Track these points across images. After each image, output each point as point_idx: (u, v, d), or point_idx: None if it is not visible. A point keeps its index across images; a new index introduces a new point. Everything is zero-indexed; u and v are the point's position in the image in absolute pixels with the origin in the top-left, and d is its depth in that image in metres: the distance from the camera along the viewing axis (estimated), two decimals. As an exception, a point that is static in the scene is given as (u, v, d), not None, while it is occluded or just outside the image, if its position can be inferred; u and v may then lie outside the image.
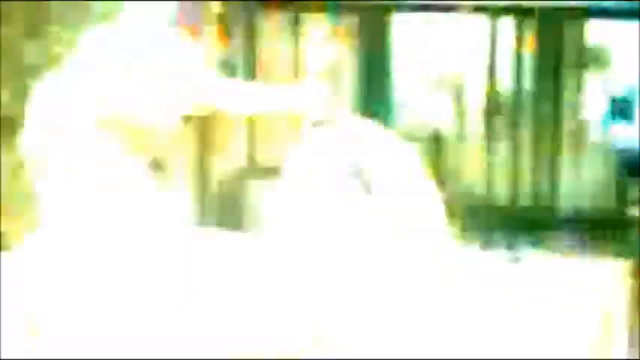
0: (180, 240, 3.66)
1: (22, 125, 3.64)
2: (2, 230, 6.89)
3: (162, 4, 3.71)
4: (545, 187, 13.18)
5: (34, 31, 7.48)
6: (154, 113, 3.48)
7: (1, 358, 3.74)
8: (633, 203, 12.13)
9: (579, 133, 13.50)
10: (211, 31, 9.51)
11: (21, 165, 3.68)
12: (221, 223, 10.19)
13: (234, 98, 3.63)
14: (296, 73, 9.81)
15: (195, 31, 3.53)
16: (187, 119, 3.75)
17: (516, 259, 5.10)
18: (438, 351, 3.92)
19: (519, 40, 12.61)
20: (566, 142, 13.25)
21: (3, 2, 7.31)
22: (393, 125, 9.66)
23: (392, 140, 3.94)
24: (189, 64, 3.48)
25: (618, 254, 8.00)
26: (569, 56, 13.16)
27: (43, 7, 7.61)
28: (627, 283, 5.19)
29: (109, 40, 3.56)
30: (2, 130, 5.91)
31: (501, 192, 11.53)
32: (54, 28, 7.28)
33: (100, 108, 3.46)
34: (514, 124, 12.19)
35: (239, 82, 3.66)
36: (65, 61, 3.69)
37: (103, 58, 3.53)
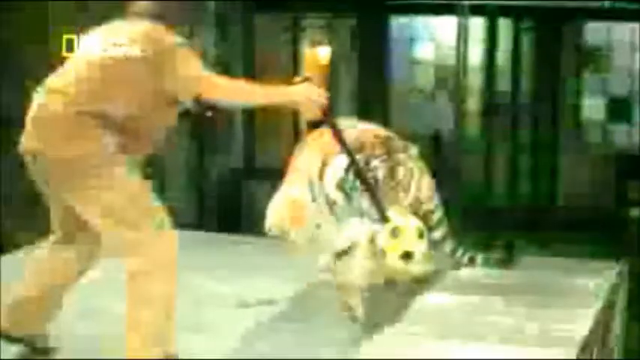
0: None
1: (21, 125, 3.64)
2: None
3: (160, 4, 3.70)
4: (544, 187, 13.23)
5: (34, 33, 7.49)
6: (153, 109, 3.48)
7: (1, 358, 3.75)
8: (632, 204, 12.16)
9: (578, 133, 13.54)
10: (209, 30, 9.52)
11: (20, 165, 3.68)
12: (220, 224, 10.21)
13: (231, 95, 3.62)
14: (295, 73, 9.82)
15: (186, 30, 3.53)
16: (184, 116, 3.76)
17: (509, 260, 5.06)
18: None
19: (517, 40, 12.64)
20: (564, 142, 13.31)
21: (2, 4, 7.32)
22: (391, 125, 9.67)
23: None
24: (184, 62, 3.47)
25: (617, 254, 8.01)
26: (567, 57, 13.20)
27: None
28: (626, 283, 5.19)
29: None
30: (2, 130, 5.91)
31: (501, 192, 11.56)
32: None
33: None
34: (513, 125, 12.22)
35: (235, 79, 3.63)
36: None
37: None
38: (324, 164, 3.83)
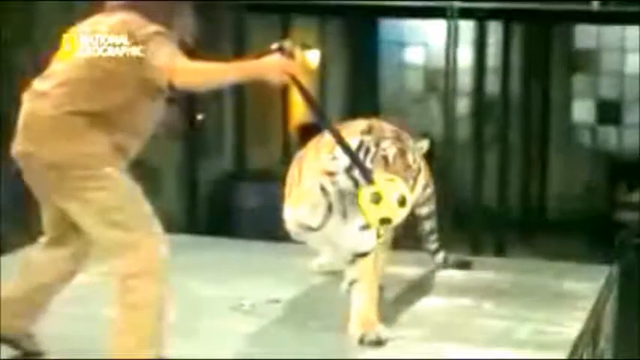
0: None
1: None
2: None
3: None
4: (534, 189, 13.25)
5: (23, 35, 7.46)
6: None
7: (1, 358, 3.74)
8: (623, 206, 12.19)
9: (568, 136, 13.57)
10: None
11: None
12: (211, 227, 10.19)
13: (203, 77, 3.62)
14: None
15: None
16: (171, 101, 3.76)
17: (465, 264, 5.04)
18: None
19: (508, 43, 12.66)
20: (555, 145, 13.33)
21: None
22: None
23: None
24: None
25: (608, 256, 8.02)
26: (557, 59, 13.23)
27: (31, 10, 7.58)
28: (617, 285, 5.19)
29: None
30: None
31: (491, 194, 11.57)
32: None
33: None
34: (503, 127, 12.23)
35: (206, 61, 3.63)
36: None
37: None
38: (332, 157, 3.83)
